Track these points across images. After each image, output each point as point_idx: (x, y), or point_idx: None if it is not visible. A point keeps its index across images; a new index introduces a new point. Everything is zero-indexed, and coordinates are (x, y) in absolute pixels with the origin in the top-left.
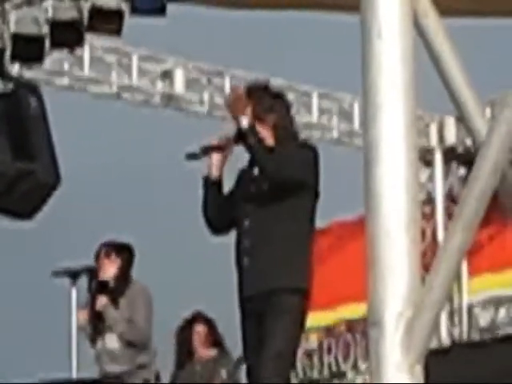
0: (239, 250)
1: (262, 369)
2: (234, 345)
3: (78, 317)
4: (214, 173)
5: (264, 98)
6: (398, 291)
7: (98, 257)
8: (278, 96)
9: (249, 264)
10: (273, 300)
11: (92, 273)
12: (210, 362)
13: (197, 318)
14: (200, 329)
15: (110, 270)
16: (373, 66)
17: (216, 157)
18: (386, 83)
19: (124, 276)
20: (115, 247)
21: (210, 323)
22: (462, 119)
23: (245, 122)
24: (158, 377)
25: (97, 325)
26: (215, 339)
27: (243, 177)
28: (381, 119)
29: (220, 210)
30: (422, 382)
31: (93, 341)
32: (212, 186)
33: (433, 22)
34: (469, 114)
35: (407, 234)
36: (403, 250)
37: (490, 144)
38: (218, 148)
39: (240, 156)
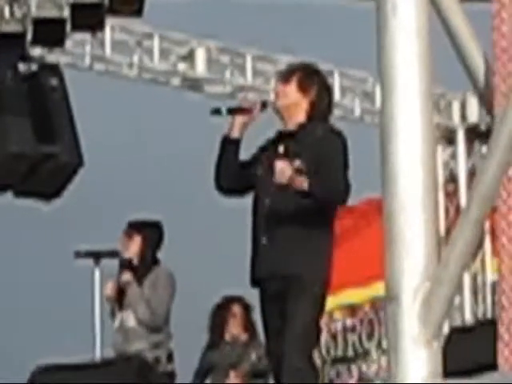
0: (257, 227)
1: (284, 349)
2: None
3: (106, 287)
4: (235, 133)
5: (314, 76)
6: (414, 266)
7: (121, 235)
8: (327, 83)
9: (267, 244)
10: (293, 282)
11: (116, 253)
12: (241, 345)
13: (234, 299)
14: (236, 311)
15: (131, 248)
16: (388, 43)
17: (240, 118)
18: (401, 60)
19: (145, 254)
20: (136, 225)
21: (247, 307)
22: (478, 94)
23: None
24: (170, 356)
25: (118, 300)
26: (249, 323)
27: (268, 151)
28: (396, 96)
29: (232, 171)
30: (439, 355)
31: (113, 315)
32: (229, 145)
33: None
34: (486, 89)
35: (423, 209)
36: (419, 225)
37: (506, 119)
38: (244, 110)
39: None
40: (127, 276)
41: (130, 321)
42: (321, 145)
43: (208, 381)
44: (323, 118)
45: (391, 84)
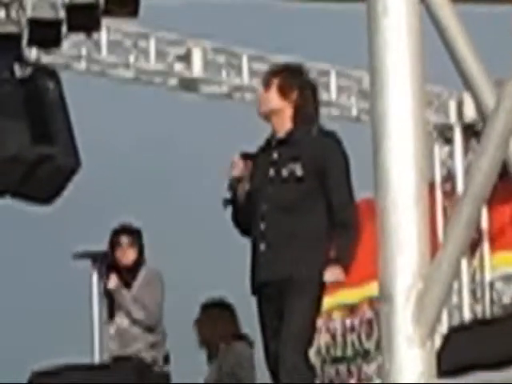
0: (255, 233)
1: (281, 348)
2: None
3: (110, 279)
4: (241, 194)
5: (295, 78)
6: (407, 265)
7: (114, 241)
8: (311, 82)
9: (265, 249)
10: (290, 284)
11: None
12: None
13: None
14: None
15: (130, 255)
16: (379, 43)
17: (240, 186)
18: (392, 60)
19: (139, 260)
20: (132, 232)
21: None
22: (470, 94)
23: None
24: (167, 357)
25: (110, 303)
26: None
27: (260, 159)
28: (387, 95)
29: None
30: (432, 355)
31: (110, 317)
32: (241, 200)
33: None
34: (477, 88)
35: (416, 207)
36: (412, 224)
37: (497, 117)
38: (241, 179)
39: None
40: (113, 282)
41: (124, 323)
42: (318, 153)
43: None
44: (311, 121)
45: (382, 84)
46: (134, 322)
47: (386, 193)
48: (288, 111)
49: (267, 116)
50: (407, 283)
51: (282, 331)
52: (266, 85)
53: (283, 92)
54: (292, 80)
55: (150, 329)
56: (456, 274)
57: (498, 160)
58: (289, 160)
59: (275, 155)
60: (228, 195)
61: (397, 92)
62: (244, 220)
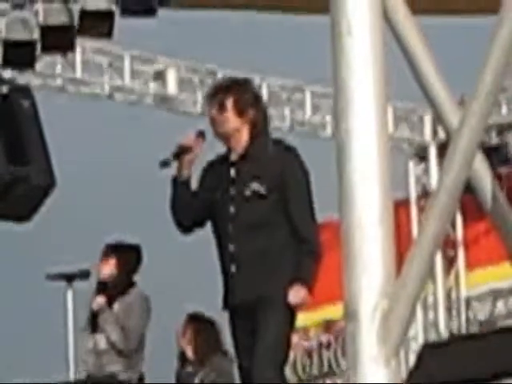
0: (225, 255)
1: (254, 362)
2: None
3: (95, 299)
4: (184, 173)
5: (246, 93)
6: (372, 284)
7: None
8: (258, 94)
9: (236, 271)
10: (264, 301)
11: (88, 274)
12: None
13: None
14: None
15: (105, 268)
16: (343, 62)
17: (185, 158)
18: (356, 79)
19: (119, 277)
20: (112, 247)
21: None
22: (434, 112)
23: None
24: (141, 378)
25: (92, 323)
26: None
27: (216, 174)
28: (352, 114)
29: (189, 208)
30: (398, 374)
31: (92, 330)
32: (182, 185)
33: (403, 17)
34: (441, 106)
35: (381, 226)
36: (377, 243)
37: (461, 136)
38: (189, 149)
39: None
40: (100, 300)
41: (102, 344)
42: (278, 169)
43: None
44: (266, 135)
45: (346, 102)
46: (112, 345)
47: (350, 211)
48: (245, 129)
49: (224, 137)
50: (372, 302)
51: (256, 346)
52: (220, 107)
53: (239, 111)
54: (245, 97)
55: (126, 354)
56: (421, 292)
57: (462, 178)
58: (250, 178)
59: (233, 172)
60: (168, 159)
61: (360, 111)
62: (184, 210)
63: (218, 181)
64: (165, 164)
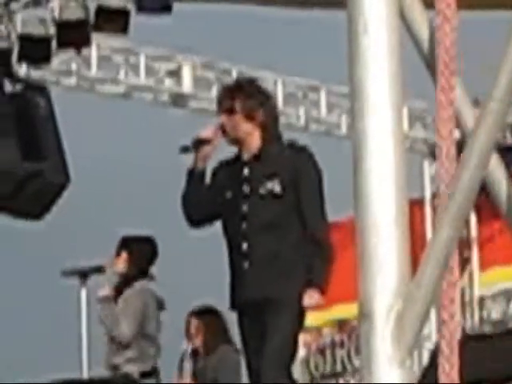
0: (237, 253)
1: (262, 363)
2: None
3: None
4: (200, 165)
5: (254, 95)
6: (387, 284)
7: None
8: (266, 94)
9: (249, 268)
10: (273, 301)
11: (102, 269)
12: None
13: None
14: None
15: (117, 264)
16: (359, 61)
17: (203, 150)
18: (372, 78)
19: (130, 270)
20: (124, 241)
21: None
22: None
23: None
24: (151, 372)
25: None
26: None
27: (228, 173)
28: (368, 114)
29: (202, 201)
30: (412, 374)
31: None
32: (197, 177)
33: (419, 15)
34: (456, 106)
35: (396, 226)
36: (392, 243)
37: (477, 136)
38: (208, 141)
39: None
40: (104, 291)
41: (106, 337)
42: (292, 168)
43: None
44: (278, 135)
45: (362, 102)
46: (111, 338)
47: (365, 211)
48: (256, 132)
49: (237, 142)
50: (387, 302)
51: (265, 347)
52: (229, 111)
53: (249, 115)
54: (253, 100)
55: (123, 346)
56: (436, 292)
57: (477, 179)
58: (265, 177)
59: (246, 171)
60: (189, 146)
61: (377, 110)
62: (196, 203)
63: (230, 180)
64: (185, 149)
